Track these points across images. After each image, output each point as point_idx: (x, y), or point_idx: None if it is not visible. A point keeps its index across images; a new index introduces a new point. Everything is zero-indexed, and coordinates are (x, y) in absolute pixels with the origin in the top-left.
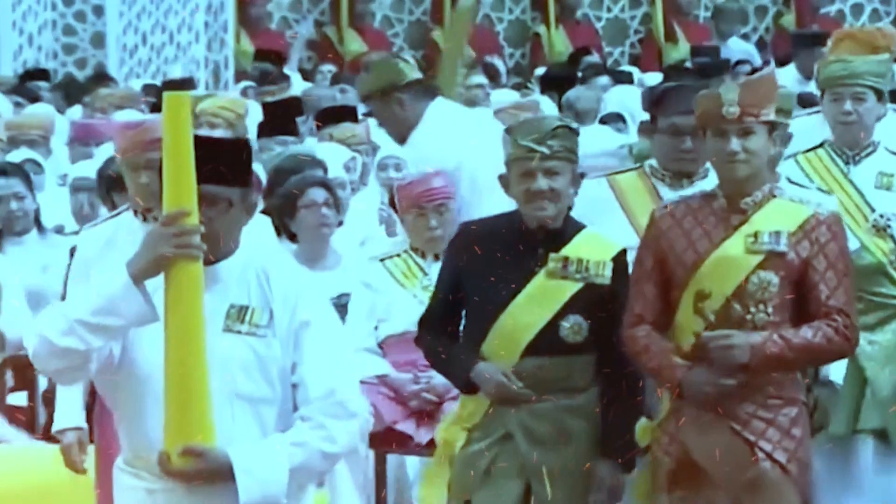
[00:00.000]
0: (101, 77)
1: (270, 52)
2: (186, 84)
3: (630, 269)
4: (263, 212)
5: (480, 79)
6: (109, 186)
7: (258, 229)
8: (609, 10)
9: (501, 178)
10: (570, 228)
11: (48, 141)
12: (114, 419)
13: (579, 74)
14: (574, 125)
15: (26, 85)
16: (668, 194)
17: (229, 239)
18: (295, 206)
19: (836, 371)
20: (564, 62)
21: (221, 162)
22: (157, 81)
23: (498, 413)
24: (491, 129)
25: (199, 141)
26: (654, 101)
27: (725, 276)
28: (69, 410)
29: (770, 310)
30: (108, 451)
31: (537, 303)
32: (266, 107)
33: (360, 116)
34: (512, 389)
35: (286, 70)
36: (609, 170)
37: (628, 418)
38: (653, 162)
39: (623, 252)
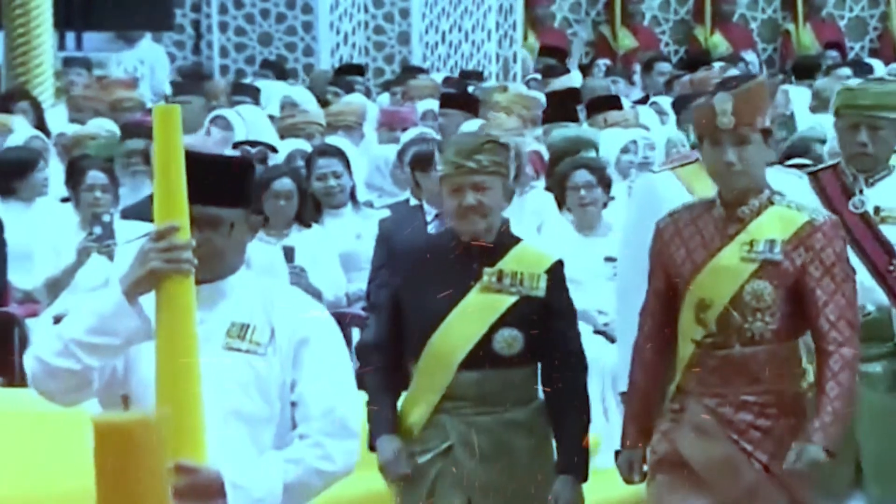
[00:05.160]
0: (410, 70)
1: (554, 48)
2: (475, 76)
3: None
4: (547, 189)
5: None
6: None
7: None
8: (851, 9)
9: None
10: (505, 242)
11: (361, 126)
12: None
13: (823, 66)
14: (504, 140)
15: (343, 77)
16: None
17: (232, 257)
18: (564, 187)
19: None
20: (812, 55)
21: (223, 183)
22: (455, 74)
23: (438, 425)
24: None
25: (200, 160)
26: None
27: (722, 285)
28: None
29: (768, 318)
30: None
31: (472, 317)
32: (549, 96)
33: (630, 104)
34: (399, 471)
35: (567, 64)
36: None
37: (580, 430)
38: None
39: (558, 264)
